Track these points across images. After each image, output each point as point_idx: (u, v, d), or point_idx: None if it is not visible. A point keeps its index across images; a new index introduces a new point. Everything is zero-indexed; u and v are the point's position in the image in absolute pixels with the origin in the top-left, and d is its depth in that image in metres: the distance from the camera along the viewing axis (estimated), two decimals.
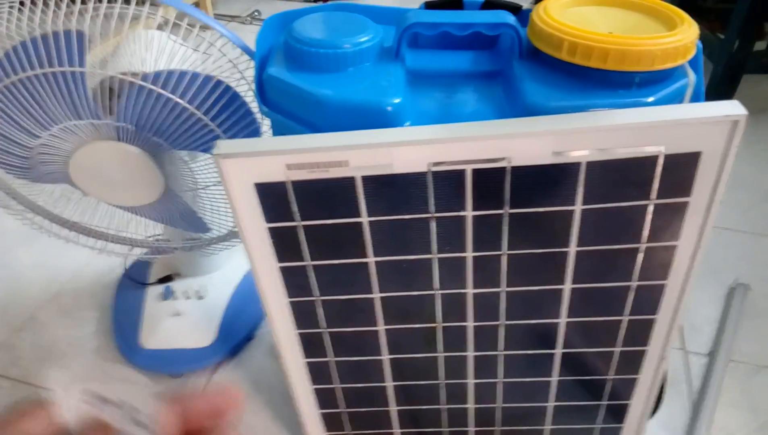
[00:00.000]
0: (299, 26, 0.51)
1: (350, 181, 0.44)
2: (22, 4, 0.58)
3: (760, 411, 0.75)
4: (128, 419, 0.27)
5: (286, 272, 0.50)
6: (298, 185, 0.44)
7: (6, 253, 1.00)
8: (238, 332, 0.83)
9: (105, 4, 0.57)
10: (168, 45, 0.63)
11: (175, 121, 0.56)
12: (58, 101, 0.55)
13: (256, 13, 1.99)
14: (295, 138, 0.43)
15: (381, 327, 0.54)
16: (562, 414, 0.62)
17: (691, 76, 0.49)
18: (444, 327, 0.54)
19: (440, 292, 0.51)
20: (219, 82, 0.57)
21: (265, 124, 0.64)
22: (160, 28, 0.64)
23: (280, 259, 0.49)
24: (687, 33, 0.47)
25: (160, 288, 0.85)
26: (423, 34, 0.52)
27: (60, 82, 0.55)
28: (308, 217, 0.46)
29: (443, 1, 0.57)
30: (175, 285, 0.85)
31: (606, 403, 0.60)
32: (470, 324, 0.53)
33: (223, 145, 0.43)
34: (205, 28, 0.60)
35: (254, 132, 0.62)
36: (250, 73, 0.61)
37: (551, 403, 0.60)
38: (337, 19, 0.53)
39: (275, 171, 0.44)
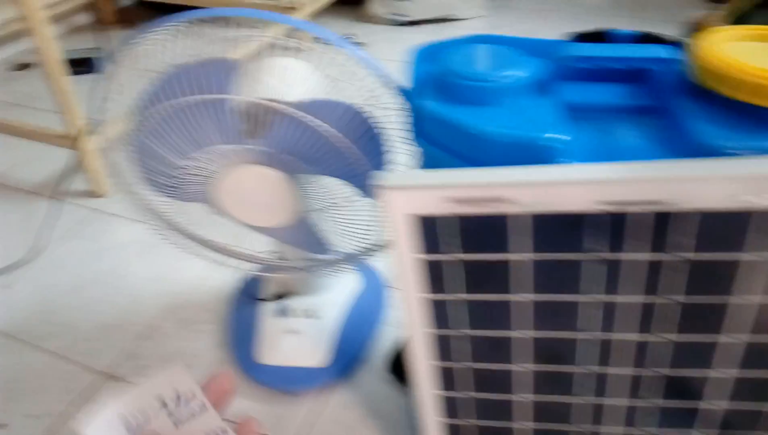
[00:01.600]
0: (452, 58, 0.51)
1: (511, 217, 0.43)
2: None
3: None
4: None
5: (435, 305, 0.50)
6: (456, 219, 0.44)
7: (124, 264, 1.06)
8: (351, 353, 0.84)
9: (254, 32, 0.60)
10: (306, 72, 0.65)
11: (320, 149, 0.58)
12: (209, 125, 0.57)
13: (351, 37, 2.04)
14: (457, 172, 0.43)
15: (528, 367, 0.53)
16: None
17: None
18: (595, 373, 0.52)
19: (600, 335, 0.49)
20: (360, 111, 0.58)
21: (394, 152, 0.65)
22: (297, 52, 0.66)
23: (433, 290, 0.49)
24: None
25: (275, 305, 0.87)
26: (573, 67, 0.51)
27: (211, 108, 0.57)
28: (466, 251, 0.46)
29: (591, 34, 0.56)
30: (290, 303, 0.87)
31: None
32: (628, 371, 0.51)
33: (389, 178, 0.44)
34: (344, 55, 0.61)
35: (384, 160, 0.62)
36: (386, 99, 0.62)
37: None
38: (489, 52, 0.52)
39: (434, 203, 0.44)
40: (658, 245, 0.43)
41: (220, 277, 1.00)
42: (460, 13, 2.06)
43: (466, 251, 0.46)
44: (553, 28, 1.95)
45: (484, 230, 0.45)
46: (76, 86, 1.12)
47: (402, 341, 0.84)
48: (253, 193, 0.63)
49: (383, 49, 1.86)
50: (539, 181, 0.41)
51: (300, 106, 0.57)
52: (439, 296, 0.49)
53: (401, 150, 0.63)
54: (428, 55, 0.56)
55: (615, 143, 0.48)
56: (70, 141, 1.16)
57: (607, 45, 0.52)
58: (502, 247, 0.45)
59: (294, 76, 0.64)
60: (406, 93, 0.54)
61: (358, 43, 1.99)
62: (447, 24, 2.04)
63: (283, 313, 0.86)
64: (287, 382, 0.81)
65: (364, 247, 0.72)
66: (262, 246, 0.79)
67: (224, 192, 0.63)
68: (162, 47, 0.60)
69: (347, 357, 0.83)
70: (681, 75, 0.50)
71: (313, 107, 0.57)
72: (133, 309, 0.95)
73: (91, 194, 1.23)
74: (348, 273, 0.92)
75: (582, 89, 0.52)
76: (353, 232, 0.70)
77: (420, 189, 0.43)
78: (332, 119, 0.57)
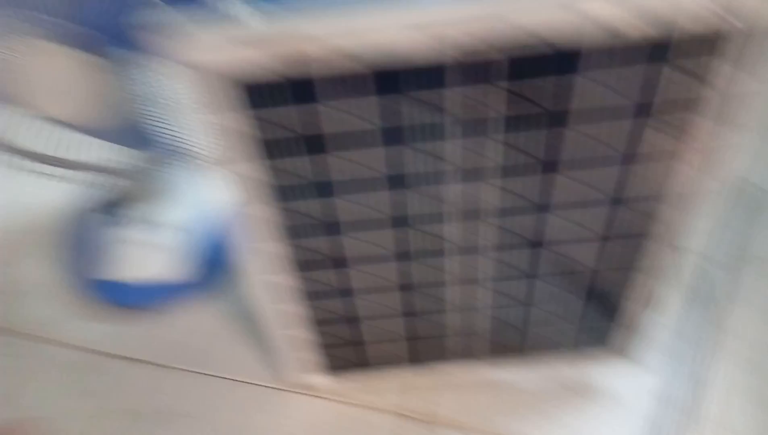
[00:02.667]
0: None
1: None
2: None
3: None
4: None
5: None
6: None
7: None
8: (219, 261, 0.78)
9: None
10: None
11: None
12: None
13: None
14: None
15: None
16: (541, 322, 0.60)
17: None
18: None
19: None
20: None
21: None
22: None
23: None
24: None
25: (127, 216, 0.78)
26: None
27: None
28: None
29: None
30: (132, 211, 0.79)
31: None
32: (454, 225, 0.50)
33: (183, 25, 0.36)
34: None
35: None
36: None
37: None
38: None
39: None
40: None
41: (53, 194, 0.88)
42: None
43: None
44: None
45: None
46: None
47: None
48: (39, 78, 0.53)
49: None
50: None
51: None
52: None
53: None
54: None
55: None
56: None
57: None
58: None
59: None
60: None
61: None
62: None
63: (124, 223, 0.78)
64: (143, 297, 0.74)
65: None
66: (94, 153, 0.69)
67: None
68: None
69: (214, 264, 0.77)
70: None
71: None
72: None
73: None
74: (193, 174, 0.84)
75: None
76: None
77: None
78: None
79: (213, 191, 0.84)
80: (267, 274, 0.52)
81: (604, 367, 0.66)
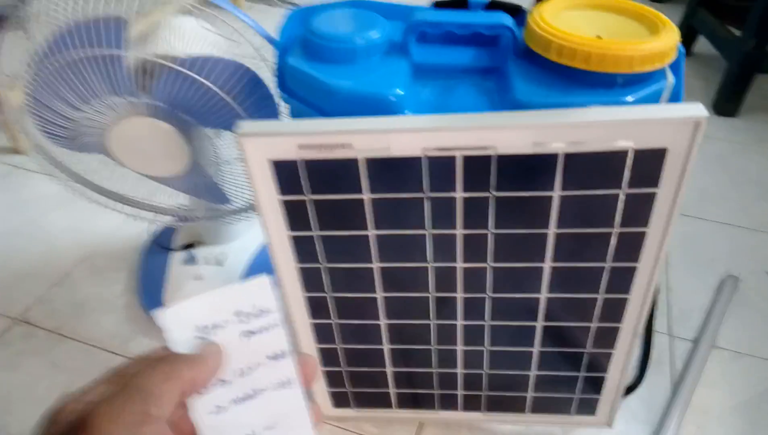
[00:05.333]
0: (316, 21, 0.57)
1: (353, 161, 0.50)
2: None
3: (736, 392, 0.80)
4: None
5: (296, 241, 0.57)
6: (309, 164, 0.50)
7: (43, 216, 1.08)
8: None
9: None
10: (198, 31, 0.69)
11: (203, 102, 0.63)
12: (100, 79, 0.61)
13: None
14: (305, 121, 0.49)
15: (380, 294, 0.60)
16: (544, 383, 0.67)
17: (670, 79, 0.53)
18: (436, 297, 0.60)
19: (433, 264, 0.57)
20: (243, 67, 0.63)
21: (285, 107, 0.70)
22: (190, 13, 0.70)
23: (292, 228, 0.56)
24: (667, 38, 0.51)
25: (183, 254, 0.92)
26: (427, 31, 0.57)
27: (101, 63, 0.61)
28: (317, 192, 0.52)
29: (450, 1, 0.62)
30: (198, 251, 0.92)
31: (584, 374, 0.66)
32: (459, 295, 0.59)
33: (244, 126, 0.49)
34: (232, 17, 0.66)
35: (273, 114, 0.68)
36: (271, 58, 0.68)
37: (533, 372, 0.66)
38: (350, 16, 0.58)
39: (289, 150, 0.50)
40: (480, 186, 0.50)
41: (134, 229, 1.04)
42: None
43: (317, 192, 0.52)
44: None
45: (331, 173, 0.51)
46: None
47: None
48: (144, 144, 0.67)
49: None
50: (372, 129, 0.48)
51: (184, 61, 0.61)
52: (300, 233, 0.56)
53: (280, 104, 0.69)
54: (300, 16, 0.61)
55: (453, 99, 0.55)
56: None
57: (459, 12, 0.59)
58: (347, 189, 0.52)
59: (184, 35, 0.68)
60: (279, 51, 0.60)
61: (291, 3, 2.00)
62: None
63: (190, 260, 0.91)
64: None
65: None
66: (170, 198, 0.84)
67: (117, 142, 0.67)
68: (57, 5, 0.63)
69: None
70: (518, 40, 0.57)
71: (197, 63, 0.62)
72: (46, 259, 0.99)
73: (12, 151, 1.24)
74: (251, 222, 0.97)
75: (435, 51, 0.59)
76: (245, 185, 0.76)
77: (271, 136, 0.49)
78: (215, 74, 0.62)
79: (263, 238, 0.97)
80: (311, 318, 0.63)
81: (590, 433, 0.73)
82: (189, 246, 0.94)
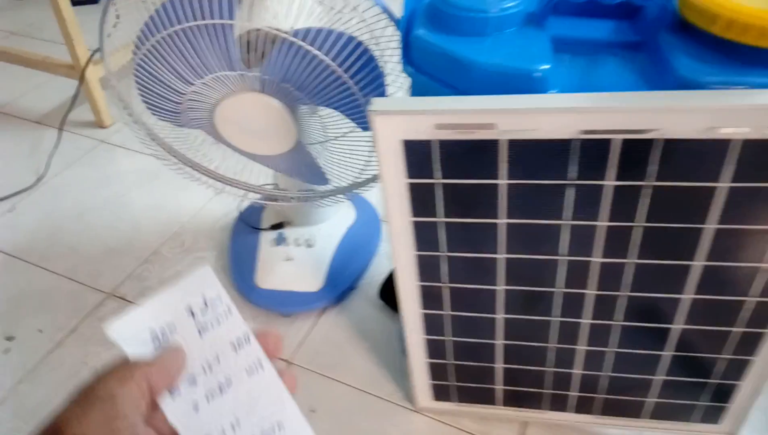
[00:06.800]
0: None
1: (493, 143, 0.46)
2: None
3: None
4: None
5: (418, 226, 0.53)
6: (443, 144, 0.47)
7: (128, 192, 1.09)
8: (344, 281, 0.88)
9: None
10: (308, 2, 0.66)
11: (318, 78, 0.59)
12: (214, 51, 0.59)
13: None
14: (446, 99, 0.45)
15: (501, 287, 0.56)
16: (668, 388, 0.62)
17: None
18: (563, 293, 0.55)
19: (566, 258, 0.52)
20: (359, 43, 0.60)
21: (393, 85, 0.66)
22: None
23: (415, 213, 0.52)
24: None
25: (273, 234, 0.91)
26: (568, 1, 0.52)
27: (214, 34, 0.58)
28: (448, 175, 0.49)
29: None
30: (287, 232, 0.90)
31: (716, 381, 0.60)
32: (591, 292, 0.55)
33: (378, 103, 0.46)
34: None
35: (382, 92, 0.64)
36: (385, 32, 0.64)
37: (659, 377, 0.61)
38: None
39: (424, 129, 0.46)
40: (635, 174, 0.45)
41: (220, 207, 1.03)
42: None
43: (448, 176, 0.49)
44: None
45: (466, 156, 0.47)
46: (79, 16, 1.12)
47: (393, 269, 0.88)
48: (251, 122, 0.65)
49: None
50: (524, 109, 0.43)
51: (298, 33, 0.58)
52: (424, 219, 0.52)
53: (398, 80, 0.65)
54: None
55: (600, 76, 0.50)
56: (75, 71, 1.16)
57: None
58: (483, 173, 0.48)
59: (293, 5, 0.64)
60: (398, 22, 0.56)
61: None
62: None
63: (280, 241, 0.90)
64: (283, 304, 0.85)
65: (360, 179, 0.74)
66: (261, 176, 0.82)
67: (224, 119, 0.65)
68: None
69: (339, 283, 0.87)
70: (669, 11, 0.51)
71: (311, 36, 0.58)
72: (134, 235, 0.99)
73: (95, 124, 1.25)
74: (344, 204, 0.95)
75: (573, 24, 0.54)
76: (350, 164, 0.72)
77: (407, 114, 0.45)
78: (329, 48, 0.59)
79: (354, 221, 0.94)
80: (423, 308, 0.59)
81: None
82: (278, 226, 0.92)
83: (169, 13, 0.59)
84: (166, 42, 0.59)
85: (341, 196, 0.80)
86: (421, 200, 0.51)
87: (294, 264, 0.87)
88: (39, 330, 0.84)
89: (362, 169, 0.72)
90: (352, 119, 0.66)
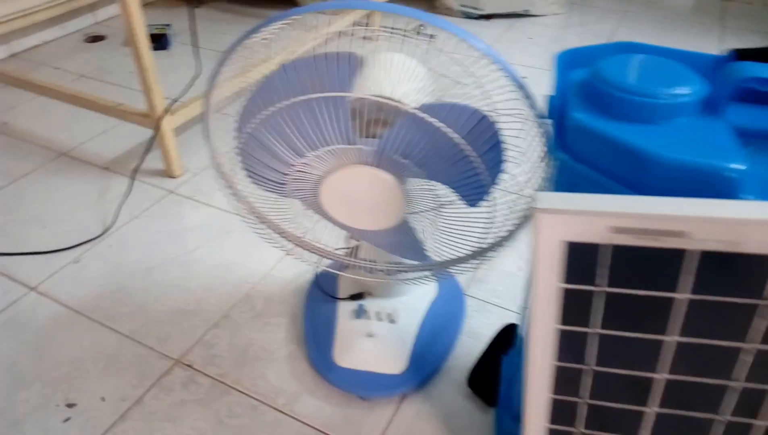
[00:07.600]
0: (608, 68, 0.46)
1: (679, 253, 0.39)
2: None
3: None
4: None
5: (563, 335, 0.46)
6: (617, 250, 0.40)
7: (195, 249, 1.04)
8: (429, 363, 0.80)
9: (377, 28, 0.56)
10: (411, 68, 0.61)
11: (444, 156, 0.54)
12: (332, 124, 0.54)
13: (421, 28, 1.98)
14: (628, 199, 0.39)
15: (652, 409, 0.48)
16: None
17: None
18: (728, 421, 0.47)
19: (742, 384, 0.44)
20: (481, 115, 0.54)
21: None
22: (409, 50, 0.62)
23: (564, 321, 0.45)
24: None
25: (353, 305, 0.84)
26: (742, 88, 0.46)
27: (332, 106, 0.54)
28: (614, 284, 0.42)
29: (756, 51, 0.50)
30: (368, 304, 0.84)
31: None
32: (762, 423, 0.46)
33: (544, 199, 0.39)
34: (473, 55, 0.57)
35: (500, 169, 0.58)
36: (509, 105, 0.58)
37: None
38: (647, 64, 0.47)
39: (595, 232, 0.39)
40: None
41: (291, 267, 0.98)
42: (535, 9, 1.99)
43: (614, 284, 0.42)
44: (634, 31, 1.87)
45: (640, 264, 0.40)
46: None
47: (483, 355, 0.80)
48: (359, 195, 0.59)
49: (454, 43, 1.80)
50: (730, 220, 0.36)
51: (425, 108, 0.53)
52: (573, 328, 0.45)
53: (521, 162, 0.59)
54: (573, 60, 0.51)
55: None
56: (149, 120, 1.14)
57: None
58: (659, 284, 0.41)
59: (408, 74, 0.60)
60: (549, 100, 0.50)
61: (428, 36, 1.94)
62: (521, 19, 1.98)
63: (360, 314, 0.83)
64: (363, 387, 0.77)
65: (460, 256, 0.68)
66: (339, 242, 0.76)
67: (329, 191, 0.60)
68: (268, 42, 0.57)
69: (424, 365, 0.79)
70: None
71: (438, 110, 0.53)
72: (203, 295, 0.94)
73: (165, 174, 1.22)
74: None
75: (753, 112, 0.47)
76: (452, 240, 0.66)
77: (580, 214, 0.39)
78: (457, 124, 0.53)
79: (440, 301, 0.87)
80: (550, 423, 0.52)
81: None
82: (358, 296, 0.85)
83: (282, 82, 0.54)
84: (277, 113, 0.54)
85: (437, 272, 0.73)
86: (574, 307, 0.44)
87: (376, 341, 0.80)
88: (102, 398, 0.78)
89: (460, 246, 0.66)
90: (461, 195, 0.60)
